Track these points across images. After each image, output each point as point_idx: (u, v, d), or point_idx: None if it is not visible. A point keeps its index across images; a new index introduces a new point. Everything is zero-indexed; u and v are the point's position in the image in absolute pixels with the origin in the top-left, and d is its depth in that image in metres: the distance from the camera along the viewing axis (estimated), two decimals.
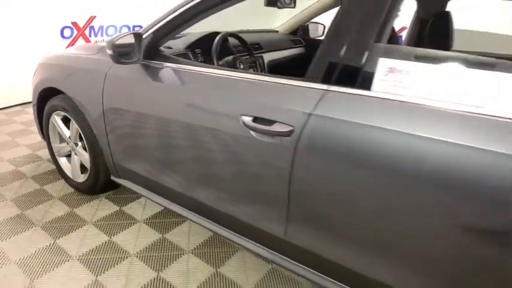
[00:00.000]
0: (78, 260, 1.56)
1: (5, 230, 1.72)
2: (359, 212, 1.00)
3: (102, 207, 1.95)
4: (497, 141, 0.78)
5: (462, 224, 0.84)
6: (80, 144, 1.92)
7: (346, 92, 0.99)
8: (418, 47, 1.85)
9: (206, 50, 1.79)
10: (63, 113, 1.88)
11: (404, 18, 2.02)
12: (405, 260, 0.97)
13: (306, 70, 1.08)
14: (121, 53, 1.36)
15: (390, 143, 0.90)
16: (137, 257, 1.59)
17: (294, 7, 1.78)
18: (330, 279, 1.17)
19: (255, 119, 1.12)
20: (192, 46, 1.82)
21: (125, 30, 4.04)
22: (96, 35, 3.95)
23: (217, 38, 1.72)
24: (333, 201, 1.05)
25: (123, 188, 2.07)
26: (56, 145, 2.08)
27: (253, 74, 1.23)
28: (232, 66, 1.72)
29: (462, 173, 0.81)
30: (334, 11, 1.13)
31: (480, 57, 0.88)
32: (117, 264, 1.55)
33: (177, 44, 1.80)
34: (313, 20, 2.59)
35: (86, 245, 1.65)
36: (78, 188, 2.04)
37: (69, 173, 2.06)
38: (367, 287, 1.08)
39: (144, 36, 1.44)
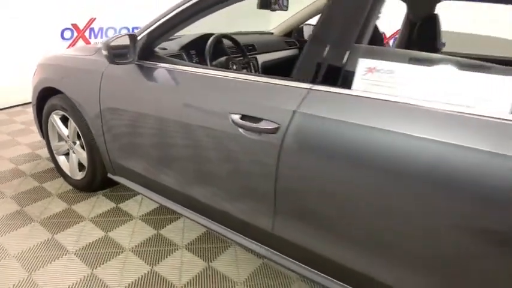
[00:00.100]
0: (75, 254, 1.61)
1: (4, 225, 1.77)
2: (341, 206, 1.05)
3: (99, 204, 1.99)
4: (469, 137, 0.82)
5: (439, 214, 0.88)
6: (78, 142, 1.97)
7: (328, 90, 1.04)
8: (408, 49, 1.91)
9: (200, 51, 1.85)
10: (61, 113, 1.94)
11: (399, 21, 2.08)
12: (387, 251, 1.01)
13: None
14: (116, 54, 1.41)
15: (369, 139, 0.95)
16: (132, 251, 1.64)
17: (286, 10, 1.83)
18: (316, 271, 1.21)
19: (243, 117, 1.17)
20: (186, 47, 1.88)
21: (124, 31, 4.10)
22: (96, 37, 4.01)
23: (211, 39, 1.77)
24: (316, 196, 1.09)
25: (120, 186, 2.12)
26: (54, 144, 2.13)
27: (243, 74, 1.28)
28: (225, 66, 1.78)
29: (436, 167, 0.85)
30: None
31: (455, 57, 0.93)
32: (113, 258, 1.59)
33: (172, 45, 1.86)
34: (308, 22, 2.64)
35: (83, 240, 1.70)
36: (76, 185, 2.09)
37: (67, 171, 2.11)
38: (352, 278, 1.13)
39: (139, 37, 1.49)
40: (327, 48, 1.06)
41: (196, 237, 1.75)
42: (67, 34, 3.75)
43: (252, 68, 2.14)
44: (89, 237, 1.72)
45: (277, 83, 1.15)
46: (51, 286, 1.43)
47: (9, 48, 3.35)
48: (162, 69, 1.46)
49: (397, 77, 0.95)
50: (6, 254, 1.58)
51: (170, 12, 1.41)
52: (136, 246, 1.68)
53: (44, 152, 2.54)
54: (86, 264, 1.55)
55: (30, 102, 2.21)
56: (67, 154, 2.11)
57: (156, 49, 1.62)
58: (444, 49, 4.28)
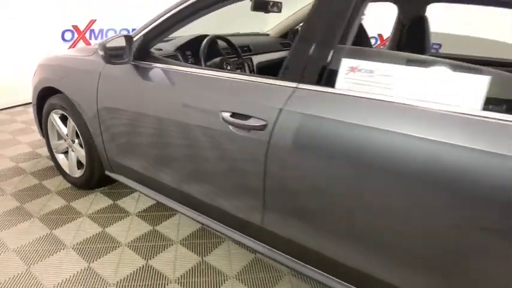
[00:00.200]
0: (73, 248, 1.66)
1: (4, 221, 1.82)
2: (327, 200, 1.10)
3: (97, 201, 2.04)
4: (443, 132, 0.87)
5: (416, 204, 0.93)
6: (76, 141, 2.02)
7: (313, 89, 1.09)
8: (399, 50, 1.95)
9: (195, 51, 1.90)
10: (61, 112, 1.99)
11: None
12: (372, 243, 1.05)
13: None
14: (112, 54, 1.46)
15: (350, 135, 0.99)
16: (128, 246, 1.69)
17: (280, 12, 1.89)
18: (305, 265, 1.26)
19: (233, 115, 1.22)
20: (182, 48, 1.93)
21: (124, 33, 4.15)
22: (96, 38, 4.07)
23: (205, 40, 1.82)
24: (303, 191, 1.14)
25: (118, 184, 2.17)
26: (54, 142, 2.18)
27: (233, 73, 1.33)
28: (219, 67, 1.83)
29: (411, 160, 0.90)
30: None
31: (432, 57, 0.97)
32: (109, 252, 1.64)
33: (167, 46, 1.91)
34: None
35: (81, 236, 1.75)
36: (75, 183, 2.14)
37: (66, 169, 2.16)
38: (339, 271, 1.17)
39: (134, 38, 1.54)
40: (312, 49, 1.10)
41: (191, 233, 1.80)
42: (68, 35, 3.81)
43: (247, 68, 2.19)
44: (86, 233, 1.77)
45: (266, 82, 1.20)
46: (49, 278, 1.47)
47: (11, 49, 3.41)
48: (157, 69, 1.51)
49: (377, 76, 0.99)
50: (6, 248, 1.63)
51: (165, 14, 1.46)
52: (132, 241, 1.72)
53: (44, 151, 2.59)
54: (83, 258, 1.60)
55: (31, 103, 2.26)
56: (66, 152, 2.16)
57: (152, 50, 1.67)
58: (440, 50, 4.33)
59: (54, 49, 3.38)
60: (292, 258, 1.29)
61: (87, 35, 3.97)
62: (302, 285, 1.51)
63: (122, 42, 1.48)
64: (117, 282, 1.48)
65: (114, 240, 1.73)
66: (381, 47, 4.48)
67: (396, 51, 1.04)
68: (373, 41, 4.55)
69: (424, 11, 1.92)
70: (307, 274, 1.26)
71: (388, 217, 0.98)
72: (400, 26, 1.99)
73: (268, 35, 2.78)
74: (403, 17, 1.95)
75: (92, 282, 1.47)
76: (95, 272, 1.52)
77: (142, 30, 1.54)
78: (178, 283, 1.49)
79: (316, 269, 1.23)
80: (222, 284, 1.50)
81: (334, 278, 1.19)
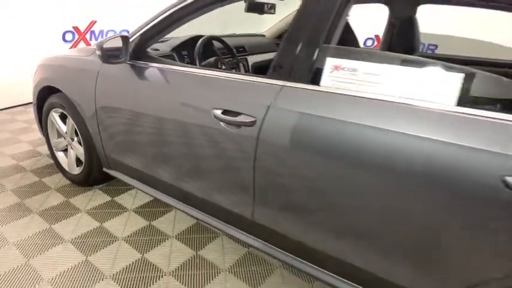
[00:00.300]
0: (71, 242, 1.71)
1: (4, 216, 1.87)
2: (313, 194, 1.14)
3: (96, 197, 2.10)
4: (420, 127, 0.92)
5: (395, 195, 0.98)
6: (75, 139, 2.07)
7: (299, 87, 1.14)
8: (390, 50, 2.00)
9: (191, 52, 1.95)
10: (60, 110, 2.04)
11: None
12: (359, 235, 1.10)
13: None
14: (110, 54, 1.52)
15: (333, 131, 1.04)
16: (125, 241, 1.74)
17: (274, 13, 1.94)
18: (295, 257, 1.30)
19: (224, 112, 1.27)
20: (178, 48, 1.98)
21: (124, 34, 4.20)
22: (96, 39, 4.13)
23: (200, 41, 1.88)
24: (290, 185, 1.19)
25: (116, 181, 2.22)
26: (54, 140, 2.23)
27: (226, 72, 1.38)
28: (214, 67, 1.88)
29: (391, 153, 0.95)
30: None
31: (411, 56, 1.02)
32: (106, 246, 1.69)
33: (164, 46, 1.96)
34: None
35: (79, 230, 1.80)
36: (74, 180, 2.19)
37: (65, 166, 2.21)
38: (326, 262, 1.22)
39: (131, 39, 1.59)
40: (299, 48, 1.15)
41: (186, 228, 1.85)
42: (68, 36, 3.87)
43: (242, 68, 2.24)
44: (84, 228, 1.82)
45: (256, 80, 1.25)
46: (47, 271, 1.52)
47: (12, 50, 3.47)
48: (152, 69, 1.57)
49: (359, 74, 1.04)
50: (6, 242, 1.68)
51: (160, 15, 1.52)
52: (129, 235, 1.77)
53: (44, 149, 2.65)
54: (81, 252, 1.65)
55: (31, 103, 2.32)
56: (65, 150, 2.21)
57: (149, 50, 1.73)
58: (436, 51, 4.36)
59: (54, 50, 3.45)
60: (283, 251, 1.34)
61: (87, 36, 4.03)
62: (293, 278, 1.55)
63: (118, 43, 1.53)
64: (114, 275, 1.52)
65: (111, 234, 1.78)
66: (378, 47, 4.52)
67: (378, 51, 1.09)
68: (370, 42, 4.61)
69: (415, 12, 1.97)
70: (297, 267, 1.30)
71: (372, 210, 1.03)
72: (391, 27, 2.04)
73: (264, 36, 2.84)
74: (394, 18, 2.00)
75: (89, 274, 1.52)
76: (92, 265, 1.57)
77: (138, 31, 1.60)
78: (172, 275, 1.54)
79: (306, 262, 1.28)
80: (215, 276, 1.54)
81: (324, 271, 1.24)
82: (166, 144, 1.53)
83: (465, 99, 0.92)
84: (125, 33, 1.61)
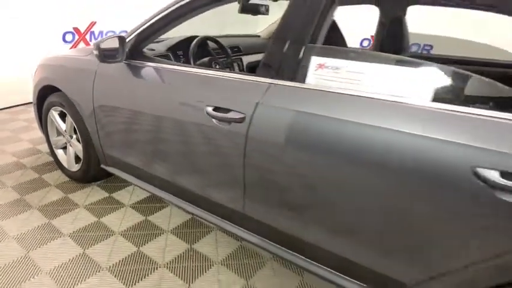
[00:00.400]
0: (69, 236, 1.76)
1: (5, 211, 1.93)
2: (300, 187, 1.19)
3: (94, 193, 2.15)
4: (397, 121, 0.97)
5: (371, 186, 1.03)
6: (74, 136, 2.13)
7: (286, 84, 1.19)
8: (381, 50, 2.05)
9: (187, 52, 2.01)
10: (60, 109, 2.10)
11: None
12: (344, 226, 1.15)
13: None
14: (107, 54, 1.57)
15: (318, 126, 1.09)
16: (121, 235, 1.79)
17: (267, 14, 1.99)
18: (283, 248, 1.35)
19: (216, 109, 1.32)
20: (173, 48, 2.04)
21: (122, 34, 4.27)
22: (96, 40, 4.19)
23: (194, 41, 1.93)
24: (278, 178, 1.24)
25: (114, 178, 2.28)
26: (53, 138, 2.29)
27: (218, 71, 1.43)
28: (208, 66, 1.93)
29: (371, 147, 1.00)
30: None
31: (390, 55, 1.07)
32: (103, 240, 1.75)
33: (159, 46, 2.02)
34: None
35: (77, 225, 1.85)
36: (73, 176, 2.25)
37: (65, 163, 2.27)
38: (313, 253, 1.27)
39: (127, 39, 1.65)
40: (285, 48, 1.21)
41: (181, 223, 1.90)
42: (68, 37, 3.94)
43: (237, 68, 2.29)
44: (82, 222, 1.87)
45: (245, 78, 1.31)
46: (46, 263, 1.58)
47: (13, 50, 3.54)
48: (147, 68, 1.62)
49: (341, 71, 1.09)
50: (6, 236, 1.74)
51: (155, 17, 1.57)
52: (125, 230, 1.83)
53: (44, 147, 2.71)
54: (79, 245, 1.70)
55: (32, 102, 2.38)
56: (64, 148, 2.27)
57: (145, 50, 1.78)
58: (432, 51, 4.42)
59: (54, 50, 3.51)
60: (273, 243, 1.39)
61: (87, 37, 4.10)
62: (283, 270, 1.60)
63: (115, 43, 1.59)
64: (110, 267, 1.58)
65: (108, 229, 1.83)
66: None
67: (360, 49, 1.14)
68: (366, 43, 4.67)
69: (404, 13, 2.02)
70: (287, 258, 1.35)
71: (355, 201, 1.08)
72: (381, 27, 2.09)
73: (259, 36, 2.89)
74: (384, 19, 2.05)
75: (87, 266, 1.57)
76: (89, 257, 1.63)
77: (134, 31, 1.65)
78: (167, 268, 1.59)
79: (295, 253, 1.33)
80: (208, 268, 1.60)
81: (313, 262, 1.28)
82: (161, 141, 1.58)
83: (440, 95, 0.97)
84: (122, 34, 1.66)
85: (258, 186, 1.31)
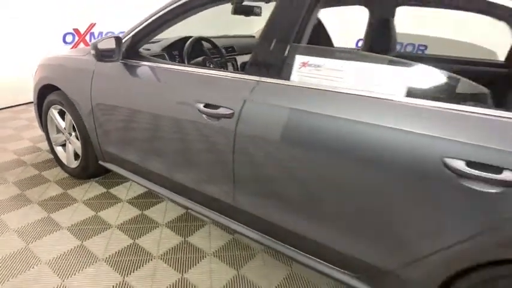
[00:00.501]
0: (68, 229, 1.83)
1: (6, 206, 2.00)
2: (285, 179, 1.26)
3: (92, 189, 2.22)
4: (372, 116, 1.04)
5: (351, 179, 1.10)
6: (73, 134, 2.20)
7: (272, 82, 1.26)
8: (370, 49, 2.12)
9: (182, 51, 2.07)
10: (59, 107, 2.17)
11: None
12: (328, 216, 1.21)
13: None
14: (103, 54, 1.64)
15: (302, 120, 1.16)
16: (118, 228, 1.86)
17: (260, 15, 2.06)
18: (272, 239, 1.42)
19: (206, 105, 1.38)
20: (168, 48, 2.10)
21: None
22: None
23: (189, 41, 2.00)
24: (264, 171, 1.30)
25: (111, 174, 2.35)
26: (53, 136, 2.36)
27: (210, 69, 1.50)
28: (202, 65, 2.00)
29: (348, 140, 1.06)
30: None
31: (368, 53, 1.14)
32: (101, 233, 1.81)
33: (155, 46, 2.09)
34: None
35: (75, 218, 1.92)
36: (72, 173, 2.31)
37: (64, 160, 2.34)
38: (299, 243, 1.33)
39: (124, 39, 1.72)
40: (272, 47, 1.27)
41: (176, 217, 1.97)
42: (69, 38, 4.01)
43: (231, 67, 2.36)
44: (80, 216, 1.94)
45: (235, 76, 1.37)
46: (45, 254, 1.64)
47: (15, 51, 3.61)
48: (143, 67, 1.69)
49: (323, 69, 1.16)
50: (7, 229, 1.81)
51: (150, 18, 1.64)
52: (122, 223, 1.89)
53: (45, 145, 2.77)
54: (77, 237, 1.77)
55: (33, 102, 2.45)
56: (64, 145, 2.34)
57: (141, 50, 1.85)
58: (426, 51, 4.49)
59: (54, 50, 3.58)
60: (262, 234, 1.45)
61: (87, 38, 4.17)
62: (273, 261, 1.67)
63: (112, 43, 1.65)
64: (106, 258, 1.64)
65: (105, 222, 1.90)
66: None
67: (341, 48, 1.20)
68: (361, 43, 4.73)
69: (393, 14, 2.08)
70: (274, 248, 1.41)
71: (340, 192, 1.14)
72: (370, 28, 2.15)
73: (253, 37, 2.96)
74: (373, 20, 2.11)
75: (84, 257, 1.64)
76: (86, 249, 1.69)
77: (131, 32, 1.72)
78: (161, 259, 1.65)
79: (282, 243, 1.39)
80: (200, 260, 1.66)
81: (300, 252, 1.34)
82: (156, 137, 1.65)
83: (413, 91, 1.03)
84: (120, 35, 1.73)
85: (247, 179, 1.37)
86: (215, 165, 1.47)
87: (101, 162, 2.09)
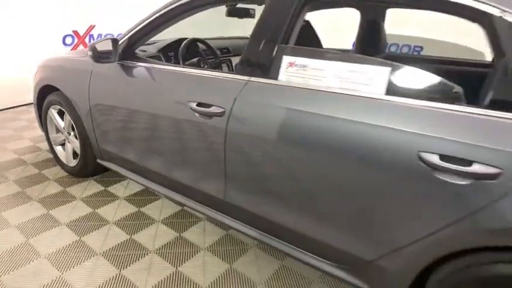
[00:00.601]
0: (66, 225, 1.88)
1: (7, 203, 2.05)
2: (274, 175, 1.31)
3: (90, 187, 2.28)
4: (355, 112, 1.09)
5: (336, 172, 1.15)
6: (72, 133, 2.26)
7: (261, 81, 1.31)
8: (361, 51, 2.17)
9: (177, 52, 2.13)
10: (58, 107, 2.23)
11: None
12: (319, 212, 1.26)
13: None
14: (101, 55, 1.70)
15: (289, 118, 1.22)
16: (115, 224, 1.91)
17: (253, 17, 2.12)
18: (263, 233, 1.47)
19: (199, 104, 1.44)
20: (164, 50, 2.16)
21: None
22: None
23: (184, 42, 2.06)
24: (254, 167, 1.36)
25: (110, 173, 2.40)
26: (52, 135, 2.42)
27: (203, 70, 1.56)
28: (197, 66, 2.06)
29: (333, 136, 1.12)
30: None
31: (351, 53, 1.20)
32: (98, 229, 1.87)
33: (151, 48, 2.15)
34: None
35: (74, 215, 1.97)
36: (71, 171, 2.37)
37: (63, 159, 2.40)
38: (289, 237, 1.38)
39: (120, 41, 1.78)
40: (261, 47, 1.33)
41: (172, 214, 2.02)
42: (68, 40, 4.08)
43: (226, 68, 2.42)
44: (79, 213, 2.00)
45: (226, 76, 1.43)
46: (44, 248, 1.70)
47: (16, 52, 3.68)
48: (139, 68, 1.75)
49: (308, 69, 1.22)
50: (8, 225, 1.86)
51: (145, 21, 1.70)
52: (119, 220, 1.95)
53: (44, 145, 2.83)
54: (75, 233, 1.82)
55: (33, 103, 2.51)
56: (63, 144, 2.40)
57: (137, 51, 1.91)
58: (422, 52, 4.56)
59: (54, 52, 3.65)
60: (253, 228, 1.51)
61: (86, 40, 4.23)
62: (265, 256, 1.72)
63: (109, 44, 1.71)
64: (104, 252, 1.70)
65: (103, 219, 1.95)
66: None
67: (325, 49, 1.26)
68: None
69: (383, 16, 2.14)
70: (266, 242, 1.46)
71: (325, 187, 1.19)
72: (361, 29, 2.21)
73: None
74: (364, 21, 2.17)
75: (82, 251, 1.69)
76: (84, 244, 1.75)
77: (127, 34, 1.78)
78: (156, 253, 1.71)
79: (274, 238, 1.44)
80: (194, 254, 1.71)
81: (292, 246, 1.40)
82: (152, 136, 1.71)
83: (392, 89, 1.09)
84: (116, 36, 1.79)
85: (238, 175, 1.43)
86: (208, 163, 1.52)
87: (99, 161, 2.15)
